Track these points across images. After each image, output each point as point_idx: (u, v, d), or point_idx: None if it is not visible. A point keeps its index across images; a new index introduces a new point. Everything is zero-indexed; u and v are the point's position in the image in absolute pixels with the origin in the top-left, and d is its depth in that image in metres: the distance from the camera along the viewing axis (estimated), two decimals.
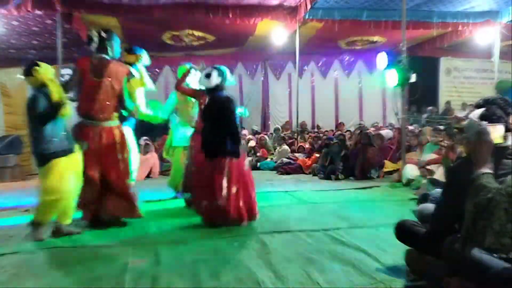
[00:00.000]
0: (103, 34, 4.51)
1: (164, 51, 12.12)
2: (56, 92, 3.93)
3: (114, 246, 3.70)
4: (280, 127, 12.75)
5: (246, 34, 10.67)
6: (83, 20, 8.87)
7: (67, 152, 3.99)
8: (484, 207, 2.02)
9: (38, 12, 7.87)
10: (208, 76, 4.50)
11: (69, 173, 3.98)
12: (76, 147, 4.12)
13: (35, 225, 3.95)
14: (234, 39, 10.91)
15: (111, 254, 3.46)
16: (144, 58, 5.38)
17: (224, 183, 4.25)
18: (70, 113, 4.05)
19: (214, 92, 4.53)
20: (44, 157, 3.90)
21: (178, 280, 2.80)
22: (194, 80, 5.35)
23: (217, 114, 4.42)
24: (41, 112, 3.86)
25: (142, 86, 4.93)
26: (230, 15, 8.70)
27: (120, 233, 4.19)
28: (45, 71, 3.98)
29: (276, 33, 10.17)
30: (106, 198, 4.43)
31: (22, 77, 4.04)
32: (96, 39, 4.47)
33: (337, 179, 7.96)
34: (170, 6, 8.38)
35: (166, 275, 2.90)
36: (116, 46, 4.60)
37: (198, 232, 4.16)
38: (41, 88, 3.93)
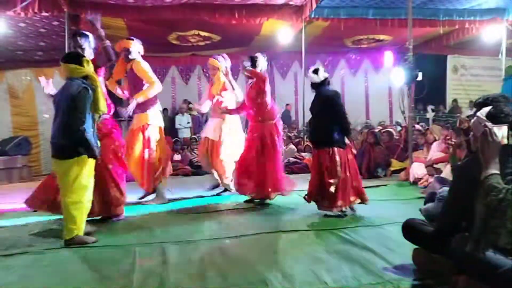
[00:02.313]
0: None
1: (170, 51, 12.16)
2: (99, 86, 3.92)
3: (122, 246, 3.72)
4: (286, 127, 12.73)
5: (252, 34, 10.66)
6: (90, 21, 8.89)
7: (98, 149, 3.85)
8: (496, 207, 2.01)
9: (45, 13, 7.91)
10: (316, 71, 4.76)
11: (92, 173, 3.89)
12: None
13: (75, 240, 3.74)
14: (240, 39, 10.90)
15: (119, 254, 3.48)
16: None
17: (338, 170, 4.59)
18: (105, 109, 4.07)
19: (321, 86, 4.78)
20: (87, 150, 3.71)
21: (186, 280, 2.81)
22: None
23: (327, 107, 4.66)
24: (88, 103, 3.74)
25: None
26: (236, 15, 8.70)
27: (127, 233, 4.21)
28: (91, 64, 3.95)
29: (282, 32, 10.15)
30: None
31: (64, 65, 3.84)
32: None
33: None
34: (176, 6, 8.39)
35: (174, 274, 2.91)
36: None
37: (206, 232, 4.18)
38: (82, 79, 3.82)
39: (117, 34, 9.52)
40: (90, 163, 3.82)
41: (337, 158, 4.61)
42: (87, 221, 3.95)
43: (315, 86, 4.85)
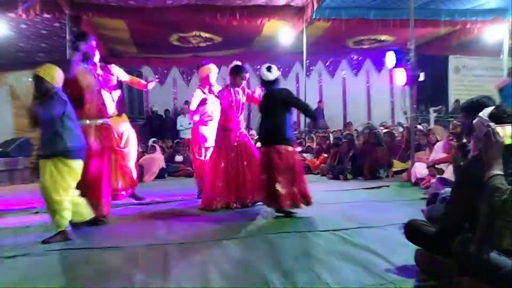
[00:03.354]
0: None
1: (171, 52, 12.19)
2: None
3: (124, 247, 3.71)
4: None
5: (253, 35, 10.68)
6: (91, 23, 8.92)
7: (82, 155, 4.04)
8: (500, 209, 2.00)
9: (46, 15, 7.94)
10: (269, 69, 4.86)
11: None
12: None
13: (62, 232, 3.90)
14: (241, 39, 10.92)
15: (121, 255, 3.48)
16: None
17: (288, 168, 4.62)
18: None
19: (273, 84, 4.87)
20: (73, 153, 3.89)
21: (187, 281, 2.80)
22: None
23: (279, 105, 4.73)
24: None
25: None
26: (237, 16, 8.71)
27: (129, 234, 4.21)
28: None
29: (283, 33, 10.16)
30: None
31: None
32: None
33: (345, 179, 7.93)
34: (177, 8, 8.42)
35: (175, 276, 2.90)
36: None
37: (207, 233, 4.18)
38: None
39: (118, 35, 9.55)
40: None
41: (286, 156, 4.64)
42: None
43: (267, 84, 4.90)
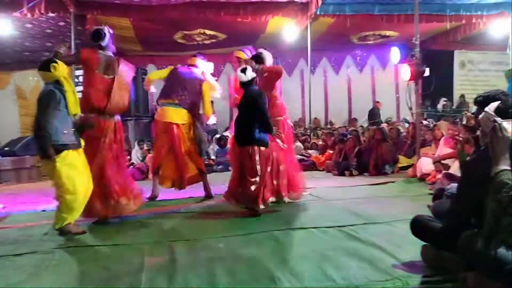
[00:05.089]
0: (111, 31, 4.70)
1: (176, 50, 12.19)
2: (70, 90, 4.04)
3: (130, 245, 3.73)
4: (292, 124, 12.71)
5: (258, 32, 10.66)
6: (96, 22, 8.94)
7: (76, 146, 4.06)
8: (508, 204, 1.99)
9: (51, 14, 7.96)
10: (243, 71, 4.86)
11: (80, 167, 4.05)
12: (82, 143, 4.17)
13: (65, 229, 3.97)
14: (245, 37, 10.90)
15: (127, 253, 3.49)
16: None
17: (257, 168, 4.62)
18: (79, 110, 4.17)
19: (249, 86, 4.89)
20: (57, 148, 3.90)
21: (194, 278, 2.81)
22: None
23: (251, 106, 4.75)
24: (53, 105, 3.92)
25: None
26: (241, 13, 8.70)
27: (135, 232, 4.23)
28: (62, 68, 4.07)
29: (288, 29, 10.14)
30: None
31: (38, 72, 4.11)
32: (107, 34, 4.62)
33: (351, 175, 7.92)
34: (181, 5, 8.42)
35: (182, 273, 2.91)
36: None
37: (213, 230, 4.19)
38: (55, 83, 4.01)
39: (123, 33, 9.57)
40: (71, 157, 3.97)
41: (257, 157, 4.64)
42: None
43: (243, 85, 4.94)
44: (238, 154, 4.84)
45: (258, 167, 4.63)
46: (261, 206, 4.60)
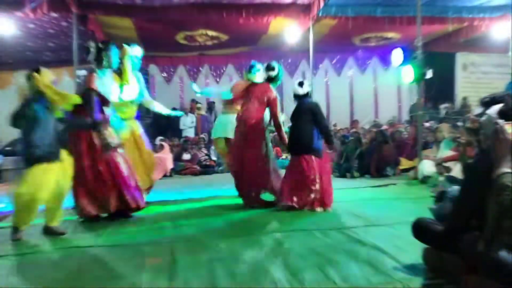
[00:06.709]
0: (100, 45, 4.76)
1: (178, 51, 12.20)
2: (53, 97, 4.08)
3: (130, 245, 3.73)
4: None
5: (259, 33, 10.65)
6: (98, 22, 8.95)
7: (51, 158, 4.03)
8: (509, 207, 1.99)
9: (53, 14, 7.96)
10: (301, 84, 5.17)
11: (49, 179, 4.02)
12: (64, 153, 4.17)
13: (14, 229, 4.00)
14: (247, 38, 10.90)
15: (128, 253, 3.49)
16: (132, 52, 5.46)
17: (316, 178, 4.94)
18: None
19: (304, 98, 5.16)
20: (28, 161, 3.98)
21: (194, 279, 2.80)
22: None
23: (308, 117, 5.04)
24: (29, 115, 3.97)
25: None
26: (243, 14, 8.69)
27: (136, 232, 4.23)
28: (42, 78, 4.07)
29: (290, 31, 10.12)
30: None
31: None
32: (93, 50, 4.69)
33: (352, 177, 7.92)
34: (183, 6, 8.41)
35: (182, 274, 2.91)
36: (114, 57, 4.82)
37: (214, 232, 4.18)
38: (35, 94, 4.05)
39: (125, 34, 9.57)
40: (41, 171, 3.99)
41: (315, 165, 4.95)
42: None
43: (298, 97, 5.19)
44: (297, 162, 5.04)
45: (318, 175, 4.91)
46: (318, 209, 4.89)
